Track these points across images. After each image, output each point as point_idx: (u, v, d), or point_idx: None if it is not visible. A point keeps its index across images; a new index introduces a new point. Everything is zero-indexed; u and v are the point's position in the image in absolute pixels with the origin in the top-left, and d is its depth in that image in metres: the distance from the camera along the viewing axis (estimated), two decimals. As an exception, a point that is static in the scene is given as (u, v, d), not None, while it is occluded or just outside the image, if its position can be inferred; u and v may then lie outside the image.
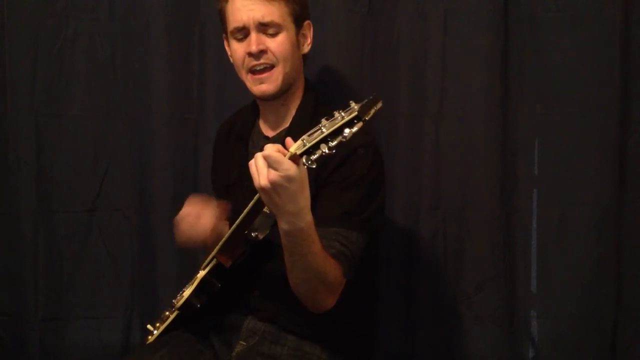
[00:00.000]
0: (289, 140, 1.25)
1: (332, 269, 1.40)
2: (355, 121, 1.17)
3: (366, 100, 1.18)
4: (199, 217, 1.65)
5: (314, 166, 1.22)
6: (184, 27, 2.04)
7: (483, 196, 1.99)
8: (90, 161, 2.09)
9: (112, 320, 2.13)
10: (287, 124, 1.60)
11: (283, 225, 1.30)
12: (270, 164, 1.21)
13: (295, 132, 1.35)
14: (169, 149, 2.07)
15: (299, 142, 1.20)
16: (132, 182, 2.10)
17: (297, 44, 1.58)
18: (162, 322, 1.67)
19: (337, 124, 1.17)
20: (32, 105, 2.06)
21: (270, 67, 1.54)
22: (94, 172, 2.09)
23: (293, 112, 1.60)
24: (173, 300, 1.62)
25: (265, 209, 1.36)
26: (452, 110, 1.98)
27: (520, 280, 2.02)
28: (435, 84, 1.98)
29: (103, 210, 2.10)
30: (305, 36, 1.61)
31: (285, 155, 1.21)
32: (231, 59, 1.63)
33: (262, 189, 1.24)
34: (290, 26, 1.56)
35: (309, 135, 1.20)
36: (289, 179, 1.22)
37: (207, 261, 1.55)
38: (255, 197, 1.34)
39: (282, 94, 1.57)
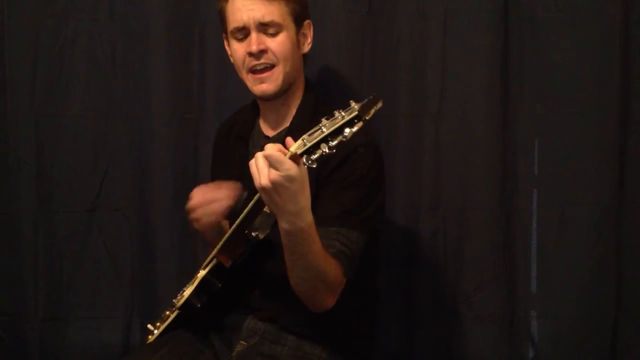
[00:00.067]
0: (289, 139, 1.25)
1: (333, 268, 1.40)
2: (356, 121, 1.17)
3: (366, 100, 1.18)
4: (211, 202, 1.62)
5: (314, 166, 1.22)
6: (184, 27, 2.04)
7: (483, 196, 1.99)
8: (90, 161, 2.09)
9: (112, 320, 2.12)
10: (287, 124, 1.60)
11: (284, 225, 1.30)
12: (272, 163, 1.21)
13: (295, 131, 1.35)
14: (169, 149, 2.07)
15: (299, 141, 1.21)
16: (132, 182, 2.10)
17: (297, 44, 1.58)
18: (163, 322, 1.67)
19: (337, 123, 1.17)
20: (32, 105, 2.06)
21: (270, 66, 1.54)
22: (94, 172, 2.09)
23: (293, 111, 1.60)
24: (174, 300, 1.62)
25: (266, 209, 1.36)
26: (452, 110, 1.98)
27: (520, 280, 2.02)
28: (435, 84, 1.98)
29: (103, 210, 2.10)
30: (305, 36, 1.61)
31: (285, 155, 1.22)
32: (231, 59, 1.63)
33: (263, 188, 1.24)
34: (291, 26, 1.56)
35: (309, 135, 1.20)
36: (290, 178, 1.22)
37: (207, 261, 1.55)
38: (256, 197, 1.34)
39: (282, 93, 1.57)
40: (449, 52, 1.97)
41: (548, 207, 2.01)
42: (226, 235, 1.47)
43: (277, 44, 1.53)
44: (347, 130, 1.17)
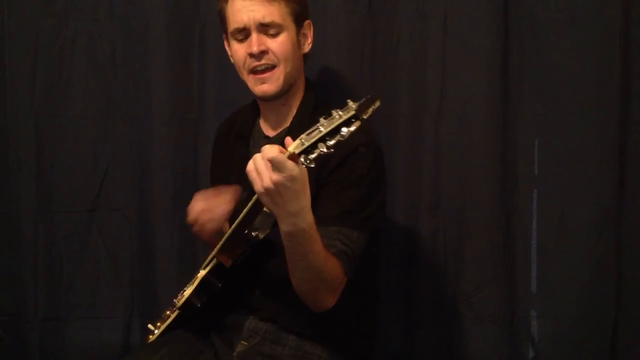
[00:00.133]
0: (288, 139, 1.25)
1: (334, 268, 1.40)
2: (353, 120, 1.17)
3: (364, 100, 1.18)
4: (212, 210, 1.61)
5: (312, 165, 1.22)
6: (184, 27, 2.04)
7: (483, 196, 1.99)
8: (90, 161, 2.09)
9: (112, 320, 2.12)
10: (287, 124, 1.60)
11: (285, 228, 1.29)
12: (275, 165, 1.21)
13: (295, 131, 1.34)
14: (169, 149, 2.07)
15: (297, 141, 1.20)
16: (132, 182, 2.10)
17: (297, 44, 1.58)
18: (163, 322, 1.67)
19: (335, 123, 1.17)
20: (32, 105, 2.06)
21: (271, 67, 1.54)
22: (94, 172, 2.09)
23: (294, 111, 1.60)
24: (174, 300, 1.62)
25: (266, 209, 1.36)
26: (452, 110, 1.98)
27: (520, 280, 2.02)
28: (435, 84, 1.98)
29: (103, 210, 2.10)
30: (305, 36, 1.61)
31: (284, 155, 1.21)
32: (232, 60, 1.63)
33: (266, 190, 1.23)
34: (291, 26, 1.55)
35: (307, 135, 1.19)
36: (291, 178, 1.22)
37: (207, 261, 1.55)
38: (255, 197, 1.34)
39: (283, 94, 1.57)
40: (449, 52, 1.97)
41: (548, 207, 2.01)
42: (226, 235, 1.47)
43: (278, 44, 1.53)
44: (344, 129, 1.17)
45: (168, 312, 1.67)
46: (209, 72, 2.05)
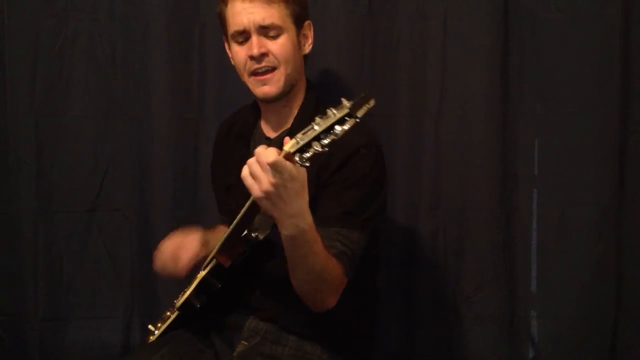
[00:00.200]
0: (286, 139, 1.25)
1: (334, 269, 1.40)
2: (347, 118, 1.16)
3: (358, 98, 1.17)
4: (180, 247, 1.62)
5: (307, 164, 1.20)
6: (184, 27, 2.04)
7: (483, 196, 1.99)
8: (90, 161, 2.09)
9: (112, 320, 2.13)
10: (288, 125, 1.59)
11: (286, 231, 1.29)
12: (274, 168, 1.20)
13: (297, 133, 1.34)
14: (169, 149, 2.07)
15: (293, 140, 1.19)
16: (132, 182, 2.10)
17: (298, 45, 1.57)
18: (163, 322, 1.67)
19: (329, 121, 1.16)
20: (32, 105, 2.05)
21: (272, 69, 1.54)
22: (94, 172, 2.09)
23: (295, 112, 1.60)
24: (174, 301, 1.62)
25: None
26: (452, 110, 1.98)
27: (520, 280, 2.02)
28: (435, 84, 1.98)
29: (103, 210, 2.10)
30: (306, 37, 1.61)
31: (280, 156, 1.21)
32: (232, 62, 1.63)
33: (266, 194, 1.21)
34: (291, 27, 1.55)
35: (303, 134, 1.18)
36: (291, 179, 1.21)
37: (207, 261, 1.55)
38: (250, 199, 1.33)
39: (284, 95, 1.56)
40: (449, 52, 1.97)
41: (548, 207, 2.01)
42: (225, 235, 1.47)
43: (278, 46, 1.53)
44: (338, 128, 1.16)
45: (168, 313, 1.67)
46: (209, 72, 2.05)
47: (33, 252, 2.08)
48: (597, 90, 1.96)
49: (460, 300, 2.02)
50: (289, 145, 1.19)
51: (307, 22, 1.60)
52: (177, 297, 1.62)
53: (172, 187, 2.07)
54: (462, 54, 1.97)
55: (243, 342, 1.56)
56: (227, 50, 1.63)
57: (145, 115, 2.07)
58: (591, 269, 1.99)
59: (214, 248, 1.52)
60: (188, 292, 1.56)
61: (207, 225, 1.88)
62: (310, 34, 1.62)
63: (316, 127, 1.17)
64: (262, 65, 1.53)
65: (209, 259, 1.54)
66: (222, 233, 1.50)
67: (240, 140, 1.69)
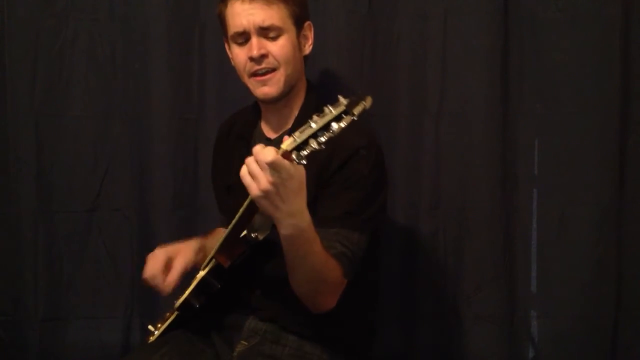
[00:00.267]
0: (285, 138, 1.25)
1: (333, 270, 1.40)
2: (344, 116, 1.16)
3: (354, 96, 1.18)
4: (173, 256, 1.61)
5: (304, 162, 1.20)
6: (184, 27, 2.04)
7: (483, 196, 1.99)
8: (90, 161, 2.09)
9: (112, 320, 2.12)
10: (289, 126, 1.59)
11: (285, 231, 1.29)
12: (272, 167, 1.20)
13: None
14: (169, 149, 2.07)
15: (291, 138, 1.19)
16: (132, 182, 2.10)
17: (298, 46, 1.57)
18: (163, 322, 1.67)
19: (326, 119, 1.17)
20: (32, 105, 2.05)
21: (271, 70, 1.54)
22: (94, 172, 2.09)
23: (295, 113, 1.59)
24: (175, 301, 1.62)
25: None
26: (452, 110, 1.99)
27: (520, 280, 2.02)
28: (435, 84, 1.98)
29: (103, 210, 2.10)
30: (306, 37, 1.60)
31: (278, 155, 1.21)
32: (232, 62, 1.63)
33: (265, 192, 1.22)
34: (291, 28, 1.55)
35: (300, 132, 1.19)
36: (290, 177, 1.21)
37: (206, 261, 1.55)
38: (249, 199, 1.33)
39: (284, 96, 1.56)
40: (449, 52, 1.97)
41: (548, 207, 2.01)
42: (224, 236, 1.47)
43: (278, 47, 1.52)
44: (334, 125, 1.16)
45: (168, 314, 1.67)
46: (209, 72, 2.05)
47: (33, 252, 2.08)
48: (597, 90, 1.96)
49: (460, 300, 2.02)
50: (287, 143, 1.19)
51: (307, 23, 1.60)
52: (177, 297, 1.61)
53: (172, 187, 2.07)
54: (462, 54, 1.97)
55: (243, 342, 1.56)
56: (227, 51, 1.63)
57: (145, 115, 2.07)
58: (591, 269, 1.99)
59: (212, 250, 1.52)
60: (187, 292, 1.55)
61: (207, 225, 1.89)
62: (310, 35, 1.62)
63: (313, 125, 1.17)
64: (262, 67, 1.53)
65: (208, 259, 1.54)
66: (220, 235, 1.49)
67: (241, 141, 1.68)
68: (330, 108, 1.17)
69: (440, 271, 2.02)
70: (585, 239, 1.99)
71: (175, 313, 1.62)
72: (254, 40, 1.52)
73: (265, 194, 1.22)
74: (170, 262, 1.60)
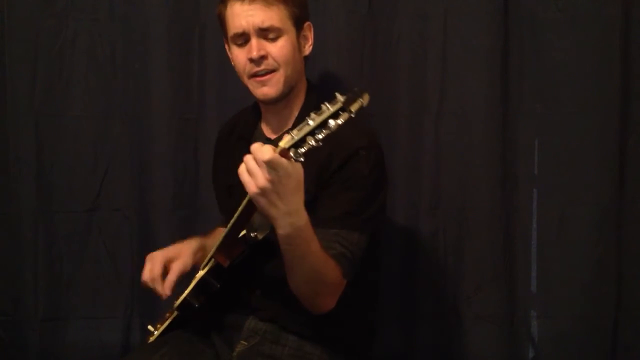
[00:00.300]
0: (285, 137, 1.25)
1: (332, 270, 1.39)
2: (341, 112, 1.16)
3: (351, 93, 1.18)
4: (172, 259, 1.61)
5: (302, 159, 1.20)
6: (184, 27, 2.04)
7: (483, 196, 1.99)
8: (90, 161, 2.09)
9: (112, 320, 2.12)
10: (289, 126, 1.59)
11: (282, 230, 1.28)
12: (269, 165, 1.20)
13: (295, 131, 1.35)
14: (169, 149, 2.07)
15: (288, 136, 1.20)
16: (132, 182, 2.10)
17: (298, 47, 1.56)
18: (163, 322, 1.67)
19: (323, 116, 1.17)
20: (32, 105, 2.05)
21: (271, 71, 1.54)
22: (94, 172, 2.09)
23: (295, 113, 1.59)
24: (175, 301, 1.62)
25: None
26: (452, 110, 1.99)
27: (520, 280, 2.03)
28: (435, 84, 1.98)
29: (103, 210, 2.10)
30: (306, 38, 1.60)
31: (276, 153, 1.21)
32: (232, 63, 1.63)
33: (262, 190, 1.22)
34: (291, 29, 1.54)
35: (298, 130, 1.19)
36: (287, 175, 1.21)
37: (206, 261, 1.55)
38: (247, 198, 1.33)
39: (284, 96, 1.56)
40: (449, 52, 1.97)
41: (548, 207, 2.01)
42: (222, 235, 1.47)
43: (278, 48, 1.52)
44: (332, 122, 1.16)
45: (168, 314, 1.67)
46: (209, 72, 2.05)
47: (33, 252, 2.08)
48: (597, 90, 1.96)
49: (460, 300, 2.02)
50: (285, 141, 1.20)
51: (307, 24, 1.60)
52: (177, 297, 1.61)
53: (172, 187, 2.07)
54: (462, 54, 1.97)
55: (242, 342, 1.56)
56: (228, 52, 1.63)
57: (145, 115, 2.07)
58: (591, 269, 1.99)
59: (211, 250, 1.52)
60: (186, 292, 1.55)
61: (207, 225, 1.89)
62: (310, 35, 1.61)
63: (311, 122, 1.17)
64: (261, 68, 1.52)
65: (207, 258, 1.54)
66: (220, 235, 1.49)
67: (241, 141, 1.68)
68: (328, 105, 1.17)
69: (440, 271, 2.02)
70: (585, 239, 1.99)
71: (175, 313, 1.62)
72: (254, 41, 1.51)
73: (263, 191, 1.22)
74: (168, 264, 1.60)
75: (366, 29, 1.98)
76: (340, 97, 1.17)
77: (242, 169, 1.23)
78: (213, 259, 1.51)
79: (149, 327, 1.71)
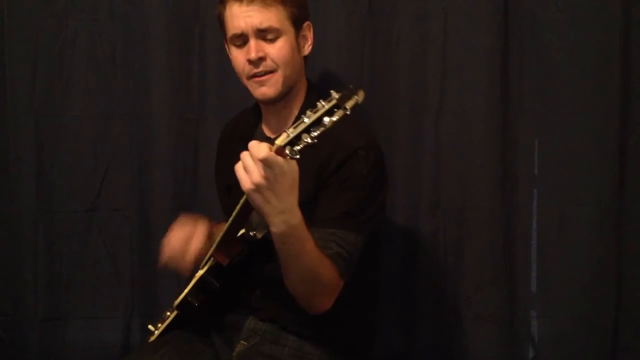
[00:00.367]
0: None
1: (328, 270, 1.39)
2: (335, 110, 1.17)
3: (346, 90, 1.18)
4: (186, 242, 1.62)
5: (298, 157, 1.21)
6: (184, 27, 2.04)
7: (483, 196, 1.99)
8: (90, 161, 2.09)
9: (112, 320, 2.12)
10: (289, 126, 1.59)
11: (276, 228, 1.29)
12: (268, 165, 1.20)
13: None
14: (169, 149, 2.07)
15: (284, 134, 1.20)
16: (132, 182, 2.10)
17: (297, 47, 1.56)
18: (163, 322, 1.67)
19: (318, 113, 1.17)
20: (32, 105, 2.05)
21: (270, 72, 1.54)
22: (94, 172, 2.09)
23: (295, 113, 1.59)
24: (175, 301, 1.62)
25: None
26: (452, 110, 1.98)
27: (520, 280, 2.02)
28: (435, 84, 1.98)
29: (103, 210, 2.10)
30: (305, 38, 1.60)
31: (271, 151, 1.21)
32: (232, 64, 1.63)
33: (257, 186, 1.22)
34: (290, 30, 1.54)
35: (293, 127, 1.19)
36: (283, 173, 1.22)
37: (205, 260, 1.55)
38: (245, 196, 1.33)
39: (283, 96, 1.56)
40: (449, 52, 1.97)
41: (548, 207, 2.01)
42: (221, 234, 1.47)
43: (276, 49, 1.52)
44: (326, 119, 1.17)
45: (168, 313, 1.67)
46: (209, 72, 2.05)
47: (33, 252, 2.08)
48: (597, 90, 1.96)
49: (460, 300, 2.02)
50: (281, 139, 1.20)
51: (306, 23, 1.60)
52: (177, 297, 1.61)
53: (172, 187, 2.07)
54: (462, 54, 1.97)
55: (242, 342, 1.56)
56: (227, 53, 1.63)
57: (145, 115, 2.07)
58: (591, 269, 1.99)
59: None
60: (186, 291, 1.55)
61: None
62: (309, 35, 1.61)
63: (306, 120, 1.18)
64: (260, 70, 1.52)
65: (206, 257, 1.54)
66: (219, 233, 1.50)
67: (242, 142, 1.68)
68: (323, 102, 1.17)
69: (440, 271, 2.02)
70: (585, 239, 1.99)
71: (175, 312, 1.62)
72: (252, 42, 1.51)
73: (258, 187, 1.22)
74: (186, 244, 1.61)
75: (366, 29, 1.98)
76: (334, 94, 1.17)
77: (238, 166, 1.24)
78: (212, 258, 1.51)
79: (150, 326, 1.72)
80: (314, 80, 1.77)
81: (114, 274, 2.12)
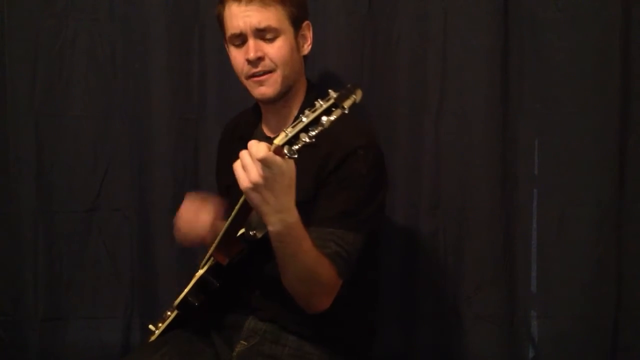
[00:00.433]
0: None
1: (326, 269, 1.39)
2: (333, 109, 1.17)
3: (344, 89, 1.18)
4: (197, 214, 1.64)
5: (296, 156, 1.21)
6: (184, 27, 2.04)
7: (483, 196, 1.99)
8: (90, 161, 2.09)
9: (112, 320, 2.13)
10: (288, 125, 1.60)
11: (273, 227, 1.29)
12: (266, 164, 1.21)
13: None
14: (169, 149, 2.07)
15: (282, 134, 1.20)
16: (132, 182, 2.10)
17: (296, 47, 1.56)
18: (164, 322, 1.67)
19: (316, 112, 1.17)
20: (32, 105, 2.06)
21: (269, 71, 1.54)
22: (94, 172, 2.09)
23: (295, 113, 1.59)
24: (175, 301, 1.62)
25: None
26: (452, 110, 1.98)
27: (520, 280, 2.02)
28: (435, 84, 1.98)
29: (103, 210, 2.10)
30: (305, 37, 1.60)
31: (270, 151, 1.21)
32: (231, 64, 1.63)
33: (255, 185, 1.22)
34: (289, 29, 1.54)
35: (292, 127, 1.19)
36: (281, 173, 1.22)
37: (205, 260, 1.55)
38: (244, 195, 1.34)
39: (282, 96, 1.56)
40: (449, 52, 1.97)
41: (548, 207, 2.01)
42: (220, 234, 1.47)
43: (275, 49, 1.51)
44: (324, 118, 1.17)
45: (168, 313, 1.67)
46: (209, 72, 2.05)
47: (33, 252, 2.08)
48: (597, 90, 1.96)
49: (460, 300, 2.02)
50: (279, 138, 1.21)
51: (305, 23, 1.59)
52: (177, 297, 1.62)
53: (172, 187, 2.07)
54: (462, 54, 1.97)
55: (242, 342, 1.56)
56: (227, 52, 1.63)
57: (145, 115, 2.07)
58: (591, 269, 1.99)
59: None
60: (186, 291, 1.55)
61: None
62: (309, 35, 1.61)
63: (304, 119, 1.18)
64: (258, 69, 1.52)
65: (206, 257, 1.54)
66: (218, 233, 1.50)
67: (242, 141, 1.68)
68: (321, 102, 1.18)
69: (440, 271, 2.02)
70: (585, 239, 1.99)
71: (175, 312, 1.62)
72: (251, 42, 1.51)
73: (255, 186, 1.23)
74: (197, 215, 1.65)
75: (366, 29, 1.98)
76: (332, 94, 1.17)
77: (236, 164, 1.25)
78: (212, 258, 1.51)
79: (150, 326, 1.72)
80: (314, 80, 1.77)
81: (114, 274, 2.12)
